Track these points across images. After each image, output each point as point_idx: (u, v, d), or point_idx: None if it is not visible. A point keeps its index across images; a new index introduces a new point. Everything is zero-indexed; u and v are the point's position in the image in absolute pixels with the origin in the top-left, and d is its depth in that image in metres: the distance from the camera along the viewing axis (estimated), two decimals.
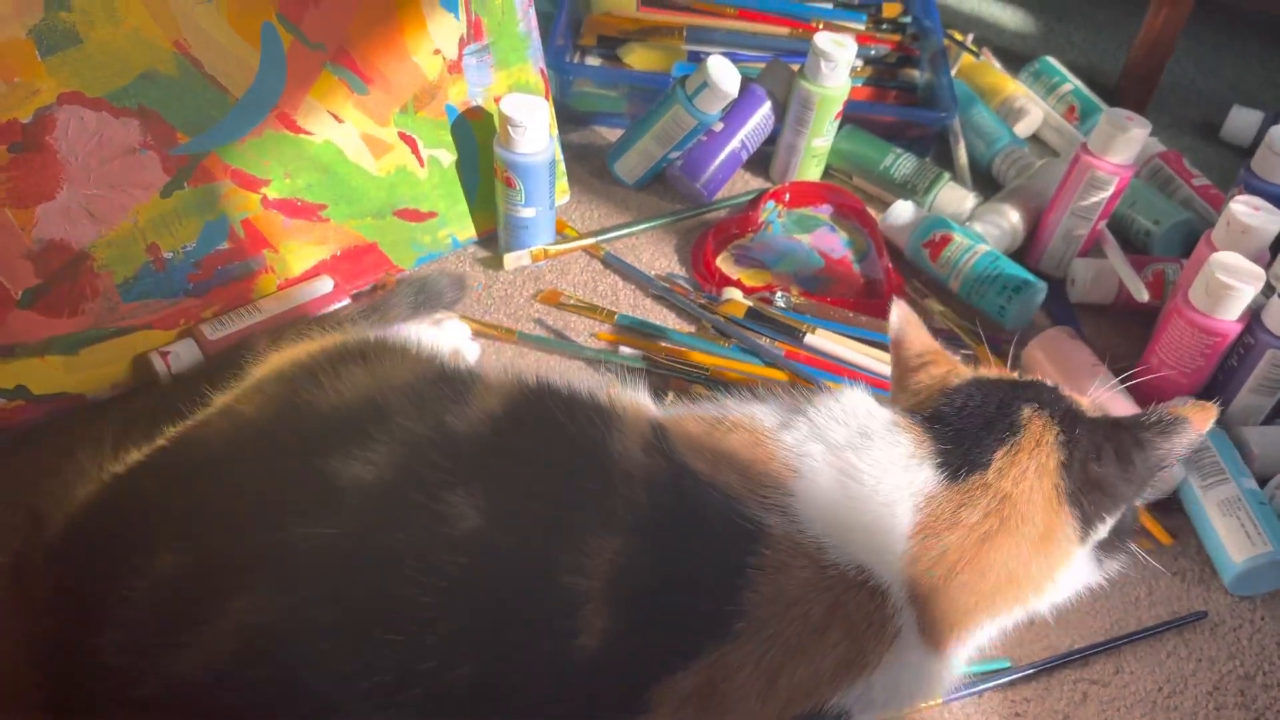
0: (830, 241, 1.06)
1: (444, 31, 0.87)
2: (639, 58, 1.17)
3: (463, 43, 0.89)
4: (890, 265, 1.01)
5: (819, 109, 1.03)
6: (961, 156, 1.15)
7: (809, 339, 0.93)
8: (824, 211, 1.09)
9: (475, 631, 0.51)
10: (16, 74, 0.71)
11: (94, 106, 0.74)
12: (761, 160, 1.12)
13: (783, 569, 0.54)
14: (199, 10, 0.76)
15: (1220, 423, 0.88)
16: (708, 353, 0.91)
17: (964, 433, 0.59)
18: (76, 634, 0.55)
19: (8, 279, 0.76)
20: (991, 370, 0.66)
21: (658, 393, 0.84)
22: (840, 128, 1.09)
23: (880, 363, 0.91)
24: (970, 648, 0.60)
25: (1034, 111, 1.20)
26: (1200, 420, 0.61)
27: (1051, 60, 1.27)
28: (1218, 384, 0.89)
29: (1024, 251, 1.05)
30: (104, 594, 0.54)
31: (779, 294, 0.97)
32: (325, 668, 0.51)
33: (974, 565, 0.56)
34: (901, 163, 1.09)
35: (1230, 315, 0.84)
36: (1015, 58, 1.32)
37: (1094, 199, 0.97)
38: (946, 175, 1.09)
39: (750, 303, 0.96)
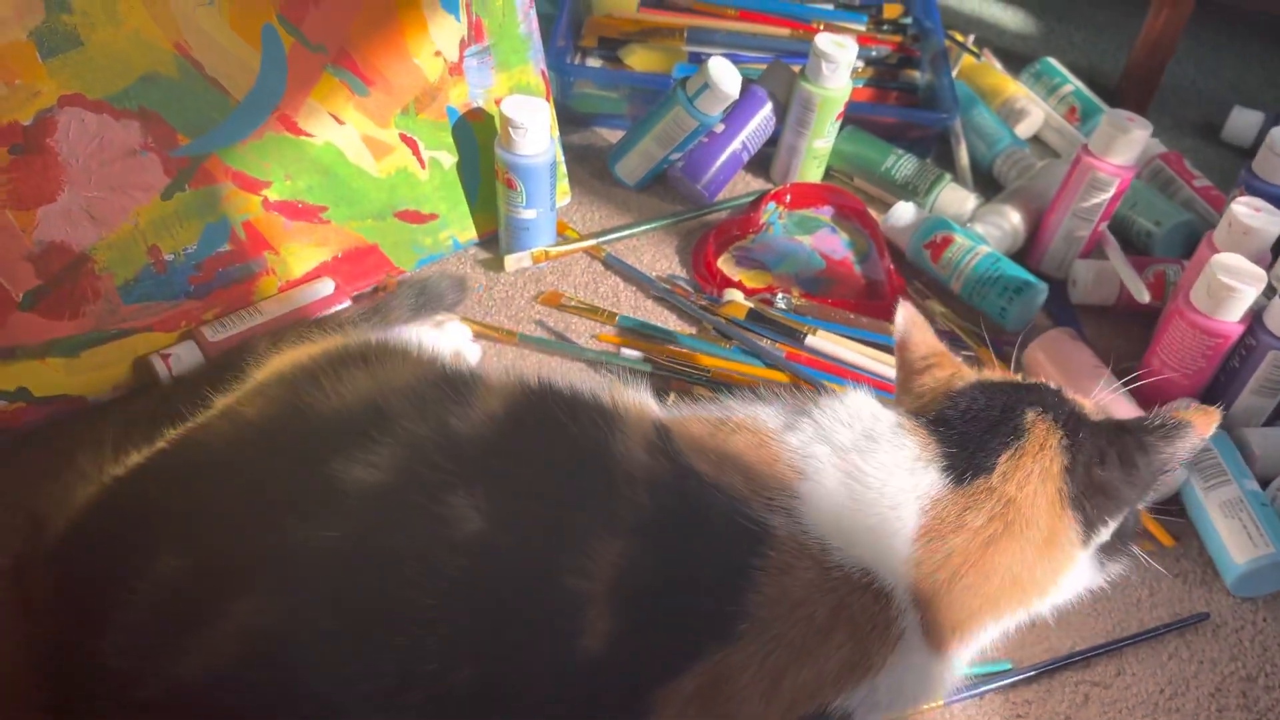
0: (831, 243, 1.06)
1: (445, 33, 0.87)
2: (640, 59, 1.17)
3: (464, 44, 0.89)
4: (891, 266, 1.01)
5: (820, 110, 1.03)
6: (962, 158, 1.15)
7: (810, 340, 0.93)
8: (825, 213, 1.09)
9: (477, 633, 0.51)
10: (17, 76, 0.70)
11: (95, 108, 0.74)
12: (762, 161, 1.12)
13: (787, 570, 0.54)
14: (200, 12, 0.76)
15: (1222, 424, 0.88)
16: (709, 354, 0.91)
17: (968, 436, 0.59)
18: (77, 636, 0.55)
19: (9, 281, 0.76)
20: (995, 373, 0.66)
21: (659, 394, 0.84)
22: (841, 129, 1.09)
23: (881, 364, 0.91)
24: (973, 650, 0.60)
25: (1035, 112, 1.20)
26: (1203, 424, 0.61)
27: (1052, 61, 1.27)
28: (1219, 385, 0.89)
29: (1025, 253, 1.05)
30: (105, 596, 0.54)
31: (780, 295, 0.97)
32: (327, 670, 0.51)
33: (978, 568, 0.56)
34: (902, 164, 1.09)
35: (1232, 317, 0.84)
36: (1016, 59, 1.32)
37: (1095, 200, 0.97)
38: (947, 176, 1.09)
39: (751, 304, 0.96)
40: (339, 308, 0.91)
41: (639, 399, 0.63)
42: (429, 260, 0.98)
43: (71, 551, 0.60)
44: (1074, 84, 1.24)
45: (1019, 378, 0.66)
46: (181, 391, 0.69)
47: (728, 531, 0.54)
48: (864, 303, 0.99)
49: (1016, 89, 1.23)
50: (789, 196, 1.08)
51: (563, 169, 1.02)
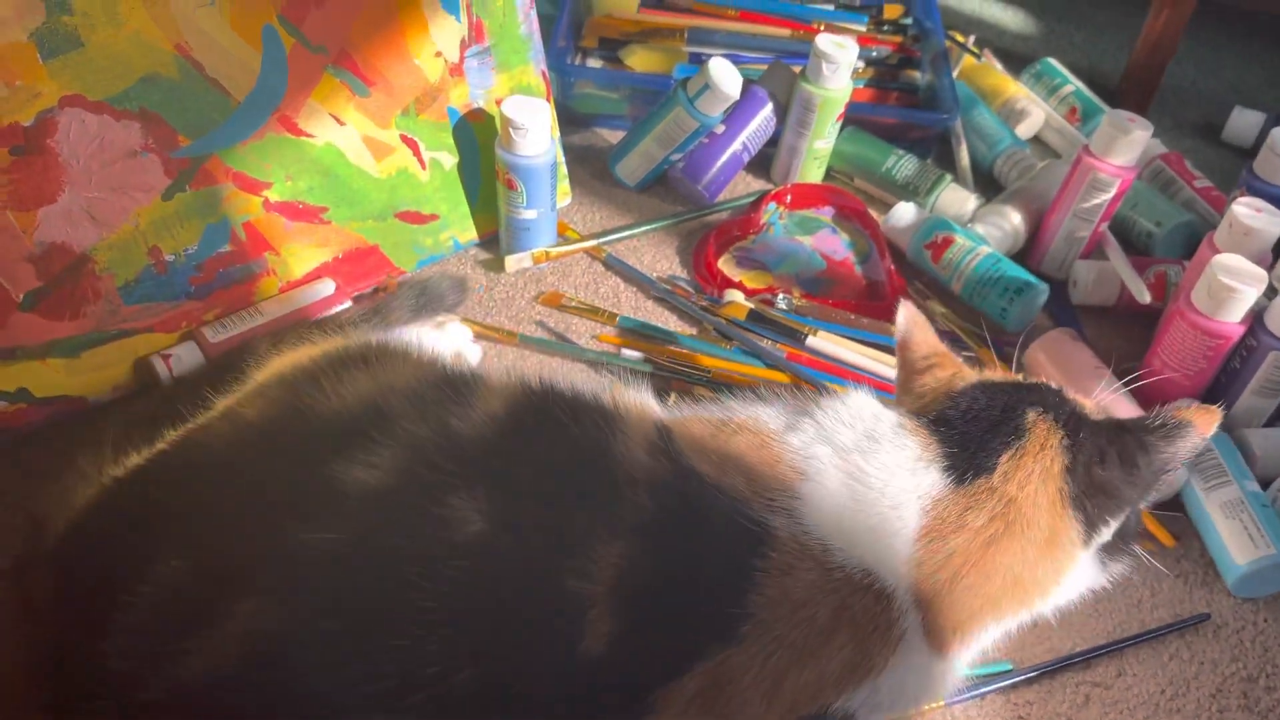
0: (832, 243, 1.06)
1: (445, 34, 0.87)
2: (640, 60, 1.17)
3: (464, 45, 0.89)
4: (892, 267, 1.01)
5: (821, 111, 1.03)
6: (963, 158, 1.15)
7: (811, 341, 0.93)
8: (826, 213, 1.09)
9: (478, 634, 0.51)
10: (18, 77, 0.70)
11: (95, 109, 0.74)
12: (763, 162, 1.12)
13: (789, 572, 0.54)
14: (200, 13, 0.76)
15: (1223, 425, 0.88)
16: (710, 355, 0.91)
17: (969, 436, 0.59)
18: (78, 637, 0.55)
19: (9, 282, 0.76)
20: (996, 373, 0.66)
21: (659, 395, 0.84)
22: (842, 129, 1.09)
23: (882, 365, 0.91)
24: (974, 650, 0.60)
25: (1035, 113, 1.20)
26: (1204, 424, 0.61)
27: (1053, 62, 1.27)
28: (1220, 386, 0.89)
29: (1026, 253, 1.05)
30: (105, 598, 0.54)
31: (781, 296, 0.97)
32: (327, 671, 0.51)
33: (979, 568, 0.56)
34: (903, 164, 1.09)
35: (1233, 317, 0.84)
36: (1017, 59, 1.32)
37: (1096, 201, 0.97)
38: (948, 177, 1.08)
39: (752, 305, 0.96)
40: (340, 308, 0.91)
41: (640, 400, 0.63)
42: (429, 261, 0.98)
43: (72, 552, 0.60)
44: (1074, 84, 1.24)
45: (1020, 378, 0.66)
46: (182, 392, 0.69)
47: (729, 532, 0.54)
48: (865, 303, 0.98)
49: (1017, 89, 1.22)
50: (789, 197, 1.08)
51: (563, 169, 1.02)
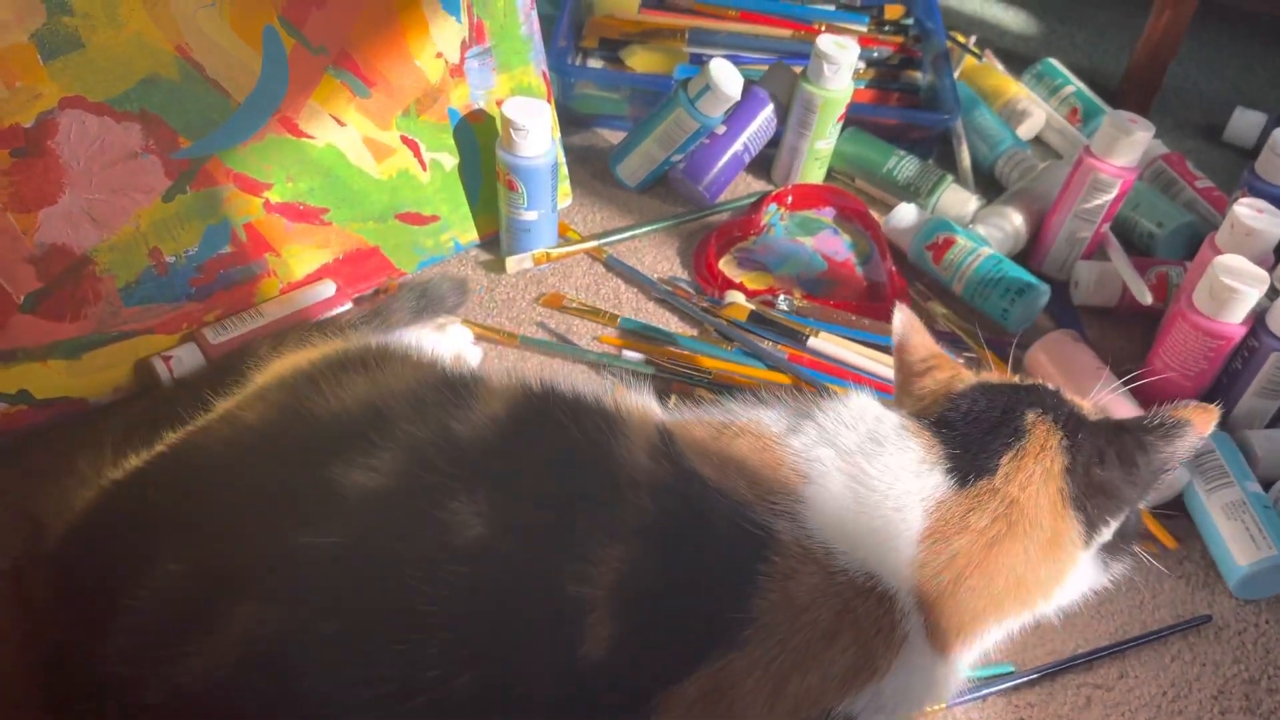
0: (833, 244, 1.06)
1: (446, 35, 0.87)
2: (641, 60, 1.17)
3: (465, 46, 0.89)
4: (893, 268, 1.01)
5: (821, 111, 1.03)
6: (964, 159, 1.15)
7: (812, 342, 0.93)
8: (827, 214, 1.09)
9: (478, 638, 0.51)
10: (18, 78, 0.70)
11: (96, 111, 0.74)
12: (764, 163, 1.12)
13: (791, 575, 0.54)
14: (201, 14, 0.75)
15: (1224, 426, 0.88)
16: (711, 356, 0.91)
17: (970, 438, 0.59)
18: (78, 639, 0.55)
19: (10, 283, 0.76)
20: (995, 374, 0.66)
21: (660, 396, 0.84)
22: (843, 130, 1.09)
23: (884, 366, 0.91)
24: (977, 652, 0.60)
25: (1036, 114, 1.20)
26: (1202, 423, 0.61)
27: (1054, 62, 1.26)
28: (1222, 387, 0.89)
29: (1027, 254, 1.05)
30: (105, 600, 0.54)
31: (781, 297, 0.97)
32: (327, 675, 0.50)
33: (982, 570, 0.56)
34: (904, 165, 1.09)
35: (1234, 318, 0.84)
36: (1018, 60, 1.32)
37: (1097, 201, 0.97)
38: (949, 178, 1.08)
39: (753, 306, 0.95)
40: (340, 310, 0.91)
41: (641, 402, 0.63)
42: (430, 262, 0.98)
43: (71, 554, 0.60)
44: (1076, 85, 1.23)
45: (1017, 379, 0.66)
46: (182, 394, 0.69)
47: (731, 536, 0.54)
48: (866, 304, 0.98)
49: (1018, 90, 1.22)
50: (790, 198, 1.08)
51: (564, 170, 1.02)
